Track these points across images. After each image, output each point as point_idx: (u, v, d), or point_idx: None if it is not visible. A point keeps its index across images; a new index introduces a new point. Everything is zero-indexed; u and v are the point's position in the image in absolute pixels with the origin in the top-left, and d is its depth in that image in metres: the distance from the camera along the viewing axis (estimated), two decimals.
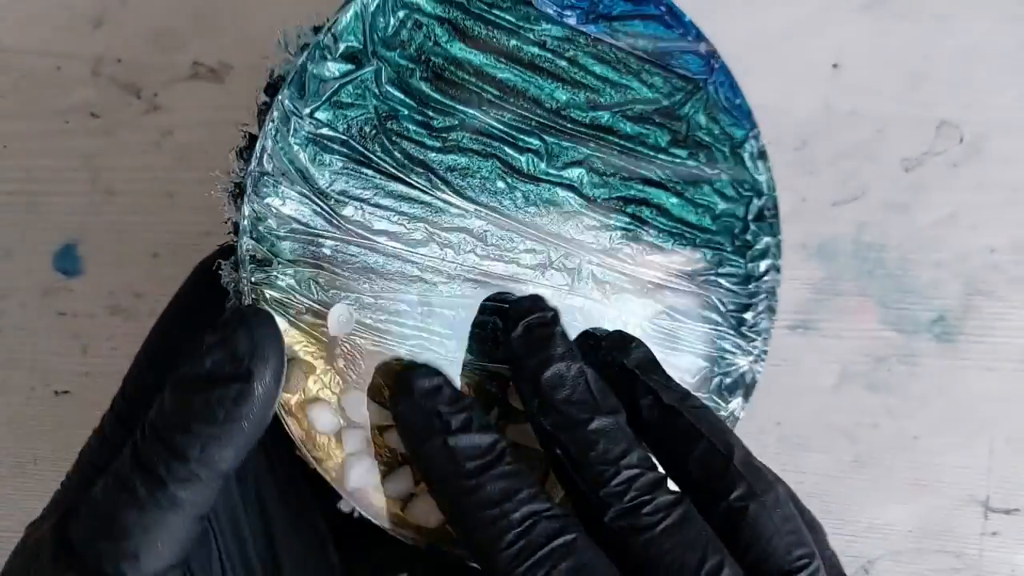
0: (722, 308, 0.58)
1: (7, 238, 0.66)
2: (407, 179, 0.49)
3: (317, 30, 0.47)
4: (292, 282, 0.47)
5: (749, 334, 0.59)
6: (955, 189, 0.67)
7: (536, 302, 0.50)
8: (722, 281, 0.58)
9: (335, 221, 0.48)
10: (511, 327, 0.47)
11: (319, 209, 0.48)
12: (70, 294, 0.65)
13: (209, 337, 0.43)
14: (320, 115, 0.47)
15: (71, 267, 0.67)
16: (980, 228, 0.67)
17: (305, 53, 0.46)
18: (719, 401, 0.59)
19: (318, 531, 0.50)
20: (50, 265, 0.65)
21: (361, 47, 0.48)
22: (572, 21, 0.53)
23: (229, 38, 0.67)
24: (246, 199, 0.45)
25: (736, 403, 0.58)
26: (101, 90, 0.66)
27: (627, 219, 0.54)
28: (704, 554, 0.40)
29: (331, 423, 0.47)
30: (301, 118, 0.47)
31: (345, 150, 0.48)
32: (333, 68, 0.47)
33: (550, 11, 0.52)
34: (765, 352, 0.60)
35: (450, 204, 0.50)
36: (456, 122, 0.50)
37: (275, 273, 0.47)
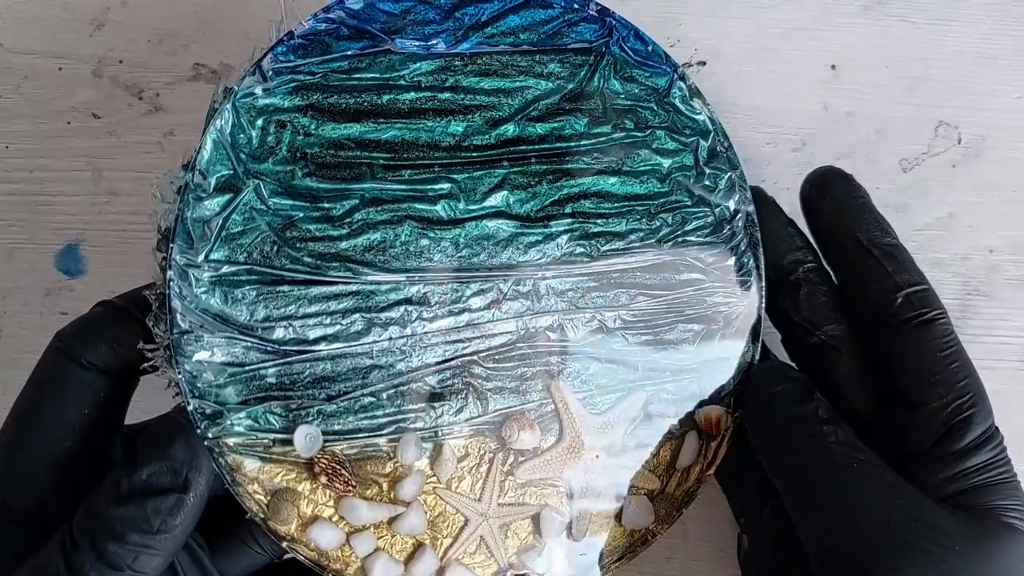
0: (702, 264, 0.54)
1: (10, 238, 0.68)
2: (326, 278, 0.47)
3: (187, 167, 0.45)
4: (249, 422, 0.47)
5: (740, 278, 0.55)
6: (953, 190, 0.66)
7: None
8: (693, 238, 0.56)
9: (270, 348, 0.47)
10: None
11: (250, 344, 0.47)
12: (72, 293, 0.66)
13: (145, 448, 0.43)
14: (216, 255, 0.46)
15: (73, 267, 0.68)
16: (979, 229, 0.66)
17: (180, 199, 0.45)
18: (728, 355, 0.56)
19: None
20: (52, 265, 0.66)
21: (232, 172, 0.46)
22: (441, 48, 0.49)
23: (230, 39, 0.68)
24: (174, 365, 0.44)
25: (747, 346, 0.56)
26: (103, 91, 0.66)
27: (568, 220, 0.52)
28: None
29: (335, 536, 0.47)
30: (198, 267, 0.45)
31: (254, 278, 0.47)
32: (211, 205, 0.46)
33: (414, 49, 0.49)
34: (763, 287, 0.56)
35: (379, 283, 0.48)
36: (355, 202, 0.48)
37: (229, 421, 0.46)
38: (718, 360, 0.56)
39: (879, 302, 0.51)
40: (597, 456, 0.55)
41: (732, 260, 0.57)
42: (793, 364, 0.55)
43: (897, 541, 0.45)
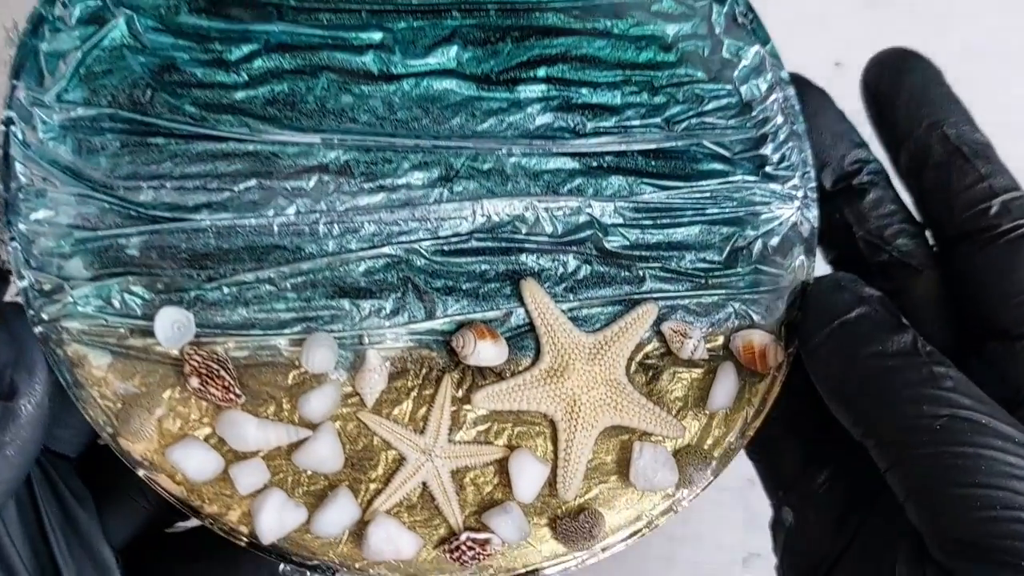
0: (727, 153, 0.41)
1: None
2: (213, 132, 0.37)
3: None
4: (99, 303, 0.37)
5: (779, 172, 0.44)
6: None
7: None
8: (712, 119, 0.45)
9: (134, 212, 0.36)
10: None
11: (108, 205, 0.37)
12: None
13: None
14: (71, 95, 0.36)
15: None
16: None
17: (33, 31, 0.36)
18: (773, 269, 0.45)
19: (104, 567, 0.42)
20: None
21: (101, 3, 0.36)
22: None
23: None
24: (5, 227, 0.34)
25: (798, 262, 0.45)
26: None
27: (542, 86, 0.42)
28: None
29: (208, 463, 0.34)
30: (47, 107, 0.35)
31: (118, 125, 0.40)
32: (70, 38, 0.36)
33: None
34: (813, 190, 0.45)
35: (284, 144, 0.38)
36: (256, 47, 0.39)
37: (72, 300, 0.34)
38: (757, 274, 0.45)
39: (968, 211, 0.44)
40: (591, 388, 0.43)
41: (769, 149, 0.45)
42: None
43: None
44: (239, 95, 0.41)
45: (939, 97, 0.45)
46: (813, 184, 0.46)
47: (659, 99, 0.45)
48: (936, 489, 0.39)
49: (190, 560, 0.43)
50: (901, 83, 0.46)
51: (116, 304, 0.39)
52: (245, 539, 0.40)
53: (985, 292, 0.43)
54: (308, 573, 0.41)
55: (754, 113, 0.46)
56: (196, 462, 0.38)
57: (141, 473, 0.39)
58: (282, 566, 0.41)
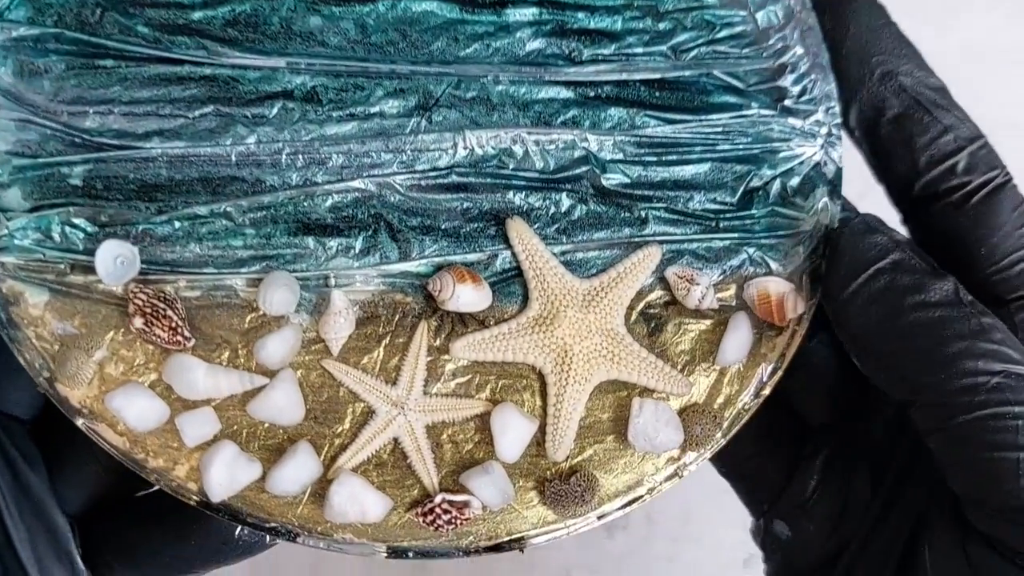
0: (741, 84, 0.39)
1: None
2: (168, 55, 0.34)
3: None
4: (37, 235, 0.35)
5: (800, 107, 0.41)
6: None
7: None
8: (724, 48, 0.41)
9: (78, 139, 0.34)
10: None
11: (50, 131, 0.34)
12: None
13: None
14: (13, 14, 0.34)
15: None
16: None
17: None
18: (792, 212, 0.41)
19: (56, 533, 0.40)
20: None
21: None
22: None
23: None
24: None
25: (821, 205, 0.41)
26: None
27: (533, 9, 0.40)
28: None
29: (153, 411, 0.31)
30: None
31: (64, 47, 0.37)
32: None
33: None
34: (837, 126, 0.42)
35: (244, 69, 0.36)
36: None
37: (7, 232, 0.31)
38: (774, 217, 0.41)
39: (935, 169, 0.41)
40: (585, 337, 0.40)
41: (789, 81, 0.41)
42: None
43: None
44: (196, 15, 0.38)
45: (889, 40, 0.42)
46: (839, 120, 0.41)
47: (664, 25, 0.41)
48: (990, 453, 0.36)
49: (143, 524, 0.39)
50: (846, 27, 0.42)
51: (56, 237, 0.36)
52: (194, 497, 0.36)
53: (967, 257, 0.41)
54: (267, 537, 0.37)
55: (771, 42, 0.42)
56: (138, 410, 0.35)
57: (80, 423, 0.36)
58: (238, 529, 0.37)
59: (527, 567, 0.66)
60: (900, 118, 0.41)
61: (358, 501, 0.36)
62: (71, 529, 0.40)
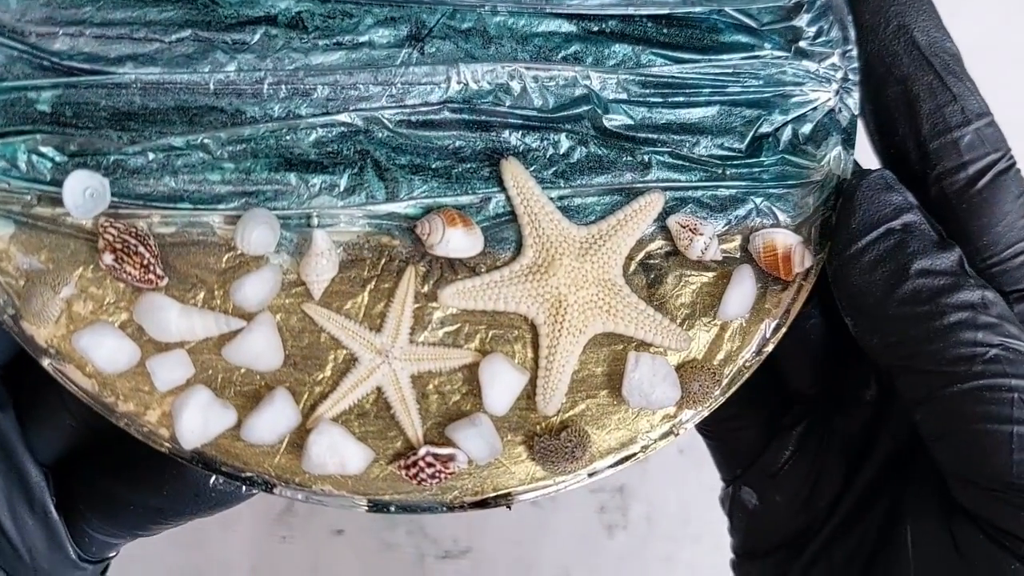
0: (753, 23, 0.39)
1: None
2: None
3: None
4: (2, 164, 0.33)
5: (815, 48, 0.40)
6: None
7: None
8: None
9: (47, 62, 0.32)
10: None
11: (16, 53, 0.33)
12: None
13: None
14: None
15: None
16: None
17: None
18: (803, 160, 0.40)
19: (29, 482, 0.39)
20: None
21: None
22: None
23: None
24: None
25: (834, 154, 0.40)
26: None
27: None
28: None
29: (123, 352, 0.29)
30: None
31: None
32: None
33: None
34: (855, 70, 0.40)
35: None
36: None
37: None
38: (784, 165, 0.40)
39: (937, 140, 0.39)
40: (580, 287, 0.38)
41: (804, 21, 0.40)
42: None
43: None
44: None
45: None
46: (855, 65, 0.40)
47: None
48: (983, 425, 0.35)
49: (116, 473, 0.38)
50: None
51: (22, 166, 0.35)
52: (166, 444, 0.35)
53: (966, 245, 0.39)
54: (242, 487, 0.36)
55: None
56: (107, 351, 0.33)
57: (46, 363, 0.34)
58: (212, 479, 0.36)
59: (527, 567, 0.66)
60: (908, 79, 0.40)
61: (338, 452, 0.35)
62: (45, 479, 0.39)
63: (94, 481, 0.39)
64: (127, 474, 0.38)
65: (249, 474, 0.36)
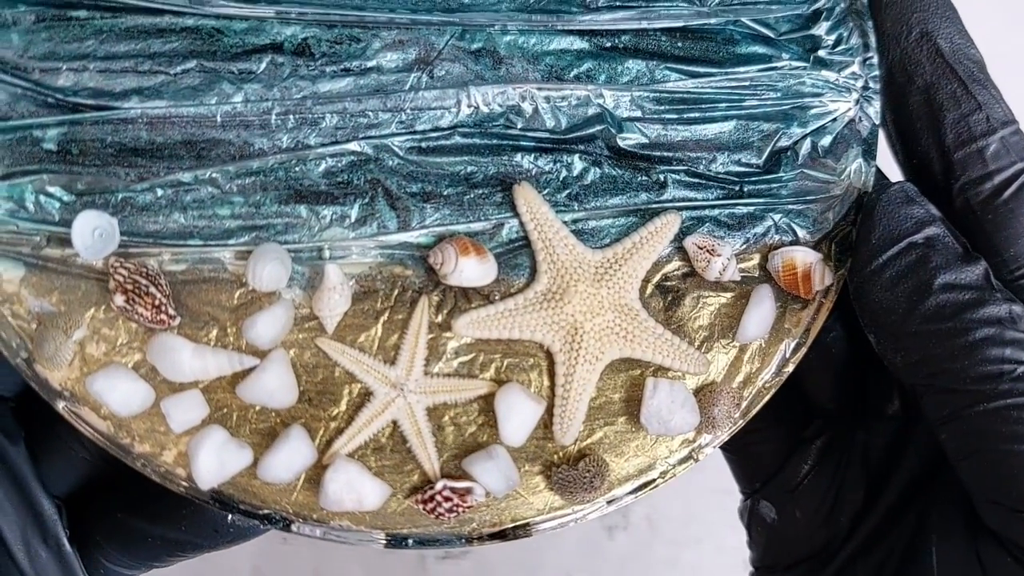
0: (771, 33, 0.39)
1: None
2: (146, 4, 0.33)
3: None
4: (10, 205, 0.37)
5: (834, 58, 0.40)
6: None
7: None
8: None
9: (51, 99, 0.34)
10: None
11: (21, 90, 0.35)
12: None
13: None
14: None
15: None
16: None
17: None
18: (823, 174, 0.39)
19: (42, 516, 0.39)
20: None
21: None
22: None
23: None
24: None
25: (854, 167, 0.39)
26: None
27: None
28: None
29: (137, 394, 0.30)
30: None
31: None
32: None
33: None
34: (875, 79, 0.40)
35: (231, 19, 0.37)
36: None
37: None
38: (803, 180, 0.40)
39: (961, 150, 0.39)
40: (596, 314, 0.38)
41: (823, 29, 0.39)
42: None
43: None
44: None
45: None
46: (876, 73, 0.40)
47: None
48: (1009, 446, 0.35)
49: (133, 507, 0.39)
50: None
51: (30, 207, 0.36)
52: (183, 484, 0.35)
53: (990, 258, 0.38)
54: (259, 524, 0.36)
55: None
56: (121, 394, 0.34)
57: (61, 406, 0.35)
58: (230, 517, 0.36)
59: (528, 569, 0.67)
60: (931, 87, 0.39)
61: (355, 489, 0.35)
62: (58, 511, 0.40)
63: (112, 513, 0.40)
64: (146, 508, 0.39)
65: (266, 511, 0.37)
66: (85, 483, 0.41)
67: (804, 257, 0.39)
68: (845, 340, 0.42)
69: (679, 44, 0.39)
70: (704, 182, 0.39)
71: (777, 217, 0.39)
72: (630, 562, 0.67)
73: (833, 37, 0.40)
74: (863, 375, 0.42)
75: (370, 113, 0.37)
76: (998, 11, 0.65)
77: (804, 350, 0.40)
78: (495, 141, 0.38)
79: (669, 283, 0.39)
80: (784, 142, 0.39)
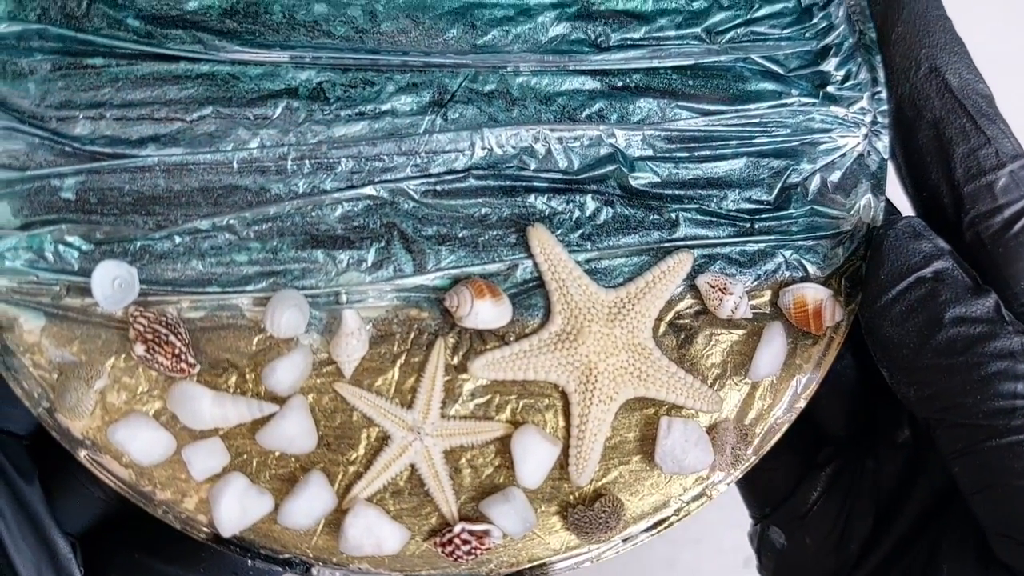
0: (781, 69, 0.39)
1: None
2: (161, 51, 0.32)
3: None
4: (30, 255, 0.36)
5: (843, 93, 0.40)
6: None
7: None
8: (763, 28, 0.40)
9: (68, 148, 0.33)
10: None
11: (38, 139, 0.34)
12: None
13: None
14: None
15: None
16: None
17: None
18: (832, 210, 0.40)
19: (57, 554, 0.40)
20: None
21: None
22: None
23: None
24: None
25: (863, 202, 0.40)
26: None
27: None
28: None
29: (159, 443, 0.31)
30: None
31: (49, 44, 0.36)
32: None
33: None
34: (884, 113, 0.40)
35: (246, 64, 0.36)
36: None
37: None
38: (813, 216, 0.40)
39: (970, 184, 0.39)
40: (610, 354, 0.39)
41: (832, 64, 0.40)
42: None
43: None
44: (191, 5, 0.37)
45: (941, 33, 0.40)
46: (884, 108, 0.40)
47: (699, 4, 0.40)
48: (1019, 482, 0.35)
49: (150, 548, 0.40)
50: (898, 11, 0.40)
51: (50, 257, 0.36)
52: (205, 530, 0.36)
53: (1000, 291, 0.39)
54: (280, 569, 0.37)
55: (814, 20, 0.41)
56: (142, 443, 0.35)
57: (82, 455, 0.36)
58: (250, 561, 0.37)
59: None
60: (940, 122, 0.40)
61: (374, 533, 0.36)
62: (73, 549, 0.41)
63: (128, 553, 0.41)
64: (163, 549, 0.40)
65: (287, 556, 0.38)
66: (99, 521, 0.41)
67: (815, 294, 0.40)
68: (856, 368, 0.43)
69: (690, 82, 0.40)
70: (715, 220, 0.40)
71: (788, 254, 0.40)
72: (630, 563, 0.67)
73: (842, 73, 0.40)
74: (874, 403, 0.43)
75: (385, 157, 0.38)
76: (998, 11, 0.65)
77: (815, 386, 0.41)
78: (509, 183, 0.39)
79: (682, 321, 0.40)
80: (794, 178, 0.40)
